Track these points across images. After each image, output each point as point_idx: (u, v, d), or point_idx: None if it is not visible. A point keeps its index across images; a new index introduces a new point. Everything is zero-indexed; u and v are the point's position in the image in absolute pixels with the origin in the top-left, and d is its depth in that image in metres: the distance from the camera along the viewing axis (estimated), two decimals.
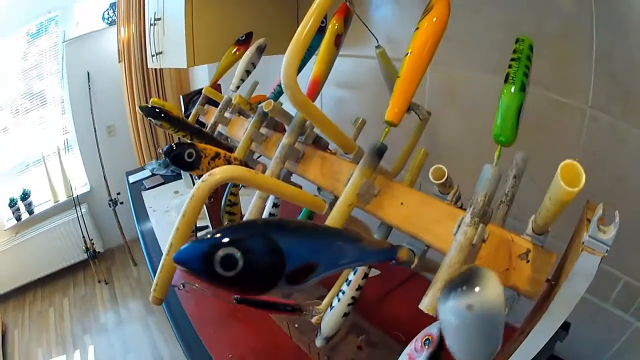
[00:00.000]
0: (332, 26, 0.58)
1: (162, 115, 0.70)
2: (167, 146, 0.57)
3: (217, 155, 0.63)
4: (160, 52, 1.45)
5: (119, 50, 2.73)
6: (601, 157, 0.69)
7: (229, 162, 0.65)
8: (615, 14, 0.61)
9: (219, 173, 0.39)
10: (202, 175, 0.40)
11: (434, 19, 0.45)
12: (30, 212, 2.90)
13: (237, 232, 0.22)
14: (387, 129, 0.46)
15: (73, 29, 2.74)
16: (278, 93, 0.71)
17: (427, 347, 0.43)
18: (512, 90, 0.41)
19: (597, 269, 0.32)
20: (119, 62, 2.77)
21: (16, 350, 2.41)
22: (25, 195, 2.86)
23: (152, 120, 0.70)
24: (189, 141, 0.67)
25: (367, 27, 0.56)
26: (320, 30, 0.58)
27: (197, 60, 1.18)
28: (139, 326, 2.52)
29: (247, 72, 0.81)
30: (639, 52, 0.60)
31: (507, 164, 0.47)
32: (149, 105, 0.71)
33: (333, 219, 0.44)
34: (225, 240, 0.21)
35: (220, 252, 0.20)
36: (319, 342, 0.66)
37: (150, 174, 2.14)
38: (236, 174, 0.40)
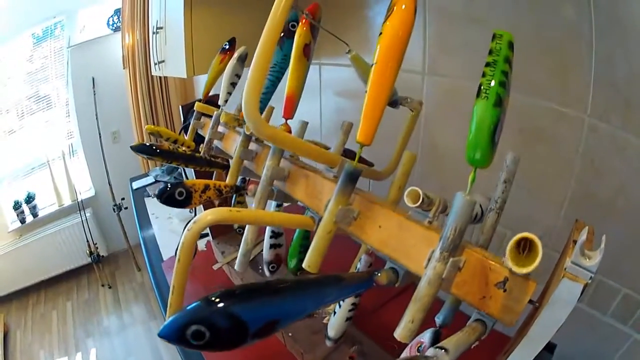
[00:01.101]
0: (299, 37, 0.54)
1: (157, 151, 0.73)
2: (160, 188, 0.60)
3: (207, 187, 0.64)
4: (163, 61, 1.46)
5: (123, 56, 2.74)
6: (600, 167, 0.68)
7: (220, 192, 0.65)
8: (615, 22, 0.61)
9: (207, 216, 0.41)
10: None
11: (403, 6, 0.38)
12: (35, 215, 2.91)
13: (201, 311, 0.27)
14: (360, 149, 0.44)
15: (78, 34, 2.77)
16: (260, 110, 0.70)
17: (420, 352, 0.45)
18: (485, 106, 0.35)
19: (579, 296, 0.30)
20: (124, 68, 2.78)
21: (18, 351, 2.43)
22: (29, 198, 2.87)
23: (145, 156, 0.72)
24: (180, 179, 0.69)
25: (335, 35, 0.53)
26: (292, 35, 0.56)
27: (196, 70, 1.19)
28: (141, 330, 2.54)
29: (233, 85, 0.78)
30: (639, 60, 0.59)
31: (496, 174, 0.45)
32: (142, 143, 0.73)
33: (315, 246, 0.44)
34: (193, 319, 0.26)
35: (190, 329, 0.26)
36: (328, 343, 0.69)
37: (154, 180, 2.14)
38: (222, 216, 0.41)
